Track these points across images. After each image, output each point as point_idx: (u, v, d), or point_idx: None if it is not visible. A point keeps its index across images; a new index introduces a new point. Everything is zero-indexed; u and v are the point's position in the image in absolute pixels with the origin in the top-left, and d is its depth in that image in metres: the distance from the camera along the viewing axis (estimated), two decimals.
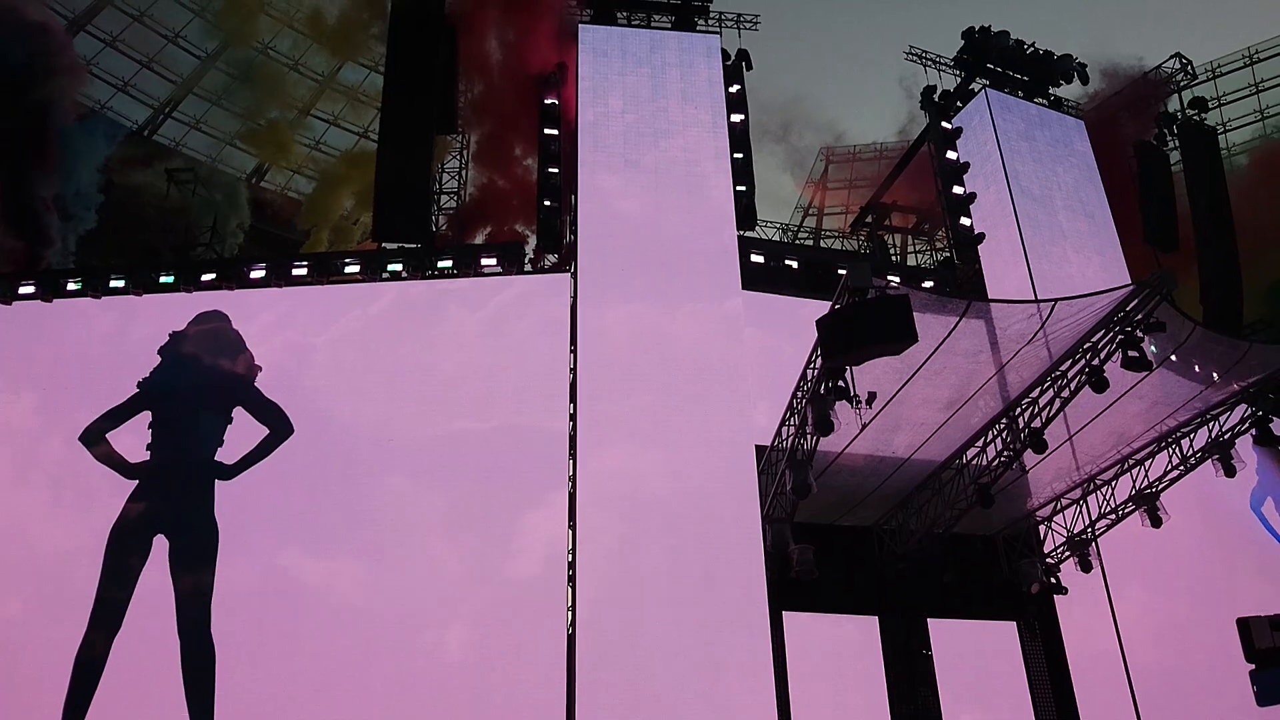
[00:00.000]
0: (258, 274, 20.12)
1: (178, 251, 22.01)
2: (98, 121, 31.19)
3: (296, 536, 17.28)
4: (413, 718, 15.65)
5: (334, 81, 37.07)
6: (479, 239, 25.90)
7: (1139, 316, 12.41)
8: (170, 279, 20.02)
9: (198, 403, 18.70)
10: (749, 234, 20.96)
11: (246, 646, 16.36)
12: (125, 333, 19.53)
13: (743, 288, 19.37)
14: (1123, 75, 28.55)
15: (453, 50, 23.13)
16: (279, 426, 18.22)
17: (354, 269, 20.22)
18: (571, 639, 15.94)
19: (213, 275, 20.04)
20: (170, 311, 19.59)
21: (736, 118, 21.85)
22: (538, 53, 23.11)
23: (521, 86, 23.81)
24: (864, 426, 14.10)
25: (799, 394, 14.71)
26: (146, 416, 18.54)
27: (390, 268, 20.19)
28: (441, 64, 22.55)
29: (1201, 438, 16.05)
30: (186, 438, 18.35)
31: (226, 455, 18.07)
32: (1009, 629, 18.09)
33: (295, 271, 20.12)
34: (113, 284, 19.98)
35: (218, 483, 17.82)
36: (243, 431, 18.26)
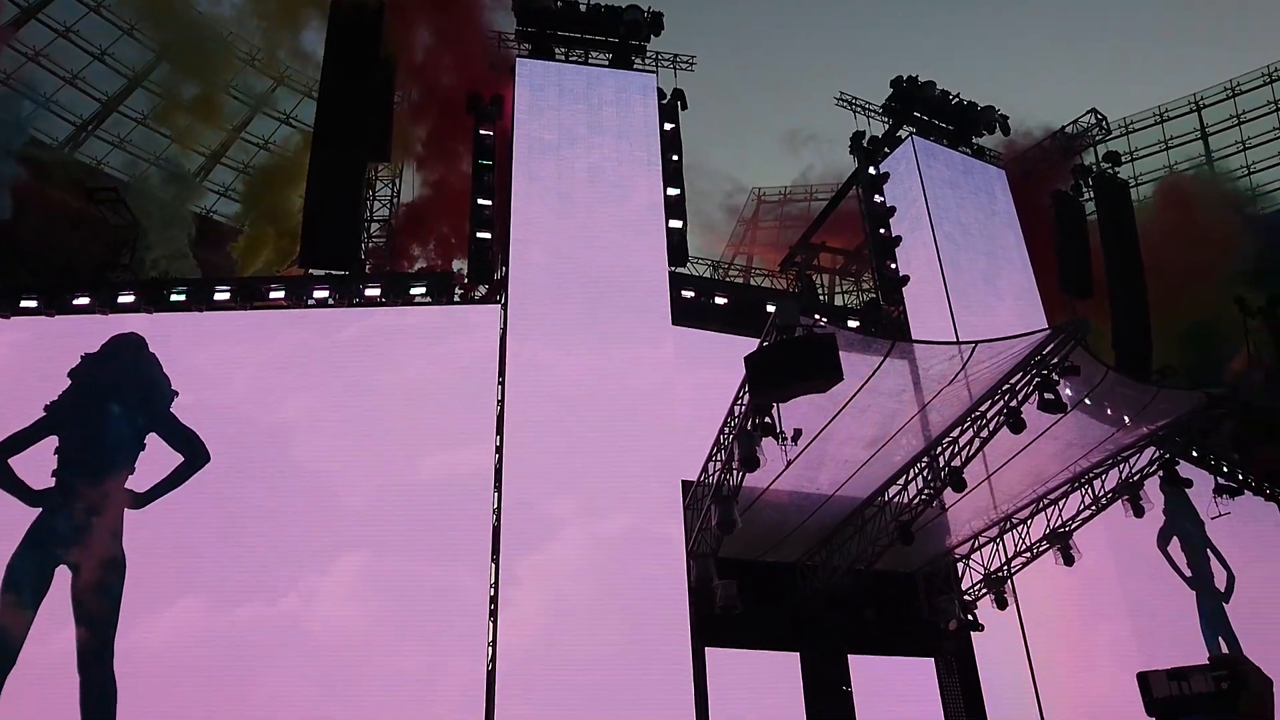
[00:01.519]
0: (178, 297, 19.57)
1: (95, 272, 21.29)
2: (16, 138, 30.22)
3: (209, 569, 16.70)
4: None
5: (265, 105, 36.61)
6: (410, 269, 25.65)
7: (1055, 360, 12.83)
8: (85, 300, 19.39)
9: (109, 428, 18.06)
10: (680, 270, 21.15)
11: (150, 684, 15.70)
12: (35, 354, 18.81)
13: (673, 323, 19.51)
14: (1042, 128, 29.70)
15: (389, 79, 23.00)
16: (195, 454, 17.67)
17: (278, 294, 19.82)
18: (491, 675, 15.68)
19: (131, 297, 19.44)
20: (84, 334, 18.94)
21: (671, 155, 22.10)
22: (474, 85, 23.09)
23: (457, 118, 23.74)
24: (789, 463, 14.25)
25: (726, 430, 14.81)
26: (53, 441, 17.82)
27: (316, 294, 19.82)
28: (377, 92, 22.40)
29: (1113, 478, 16.61)
30: (95, 465, 17.66)
31: (138, 483, 17.45)
32: (927, 665, 18.33)
33: (217, 296, 19.60)
34: (24, 304, 19.26)
35: (127, 512, 17.19)
36: (156, 458, 17.67)
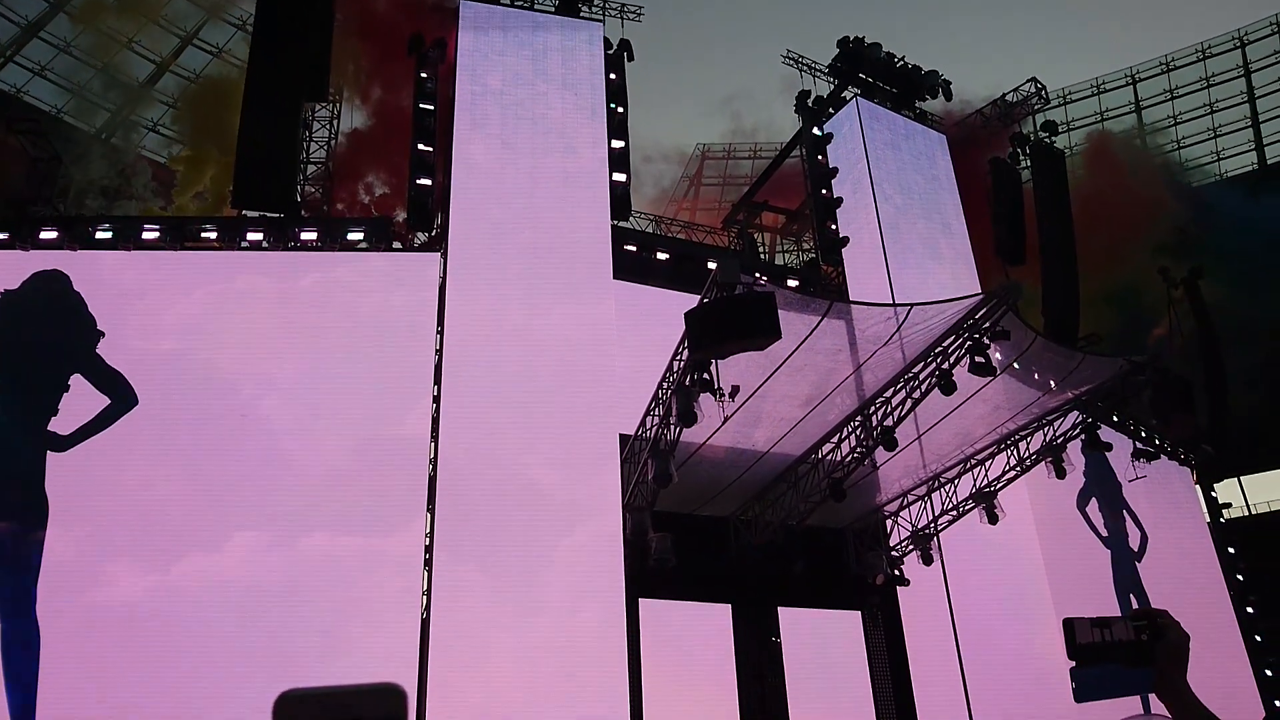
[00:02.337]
0: (104, 235, 18.90)
1: (15, 207, 20.45)
2: None
3: (133, 513, 16.37)
4: (250, 704, 15.09)
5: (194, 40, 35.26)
6: (347, 213, 25.11)
7: (986, 325, 13.12)
8: (5, 236, 18.63)
9: (31, 368, 17.51)
10: (623, 224, 21.06)
11: (73, 627, 15.44)
12: None
13: (614, 277, 19.46)
14: (983, 97, 30.05)
15: (328, 16, 22.29)
16: (121, 396, 17.22)
17: (210, 235, 19.29)
18: (425, 623, 15.72)
19: (54, 234, 18.74)
20: (5, 271, 18.23)
21: (616, 107, 21.88)
22: (416, 26, 22.52)
23: (397, 59, 23.17)
24: (726, 419, 14.41)
25: (664, 385, 14.91)
26: None
27: (250, 237, 19.32)
28: (315, 29, 21.70)
29: (1037, 441, 17.12)
30: (17, 405, 17.13)
31: (61, 425, 16.97)
32: (854, 618, 18.85)
33: (146, 235, 18.98)
34: None
35: (50, 454, 16.73)
36: (80, 400, 17.18)
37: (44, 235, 18.66)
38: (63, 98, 33.38)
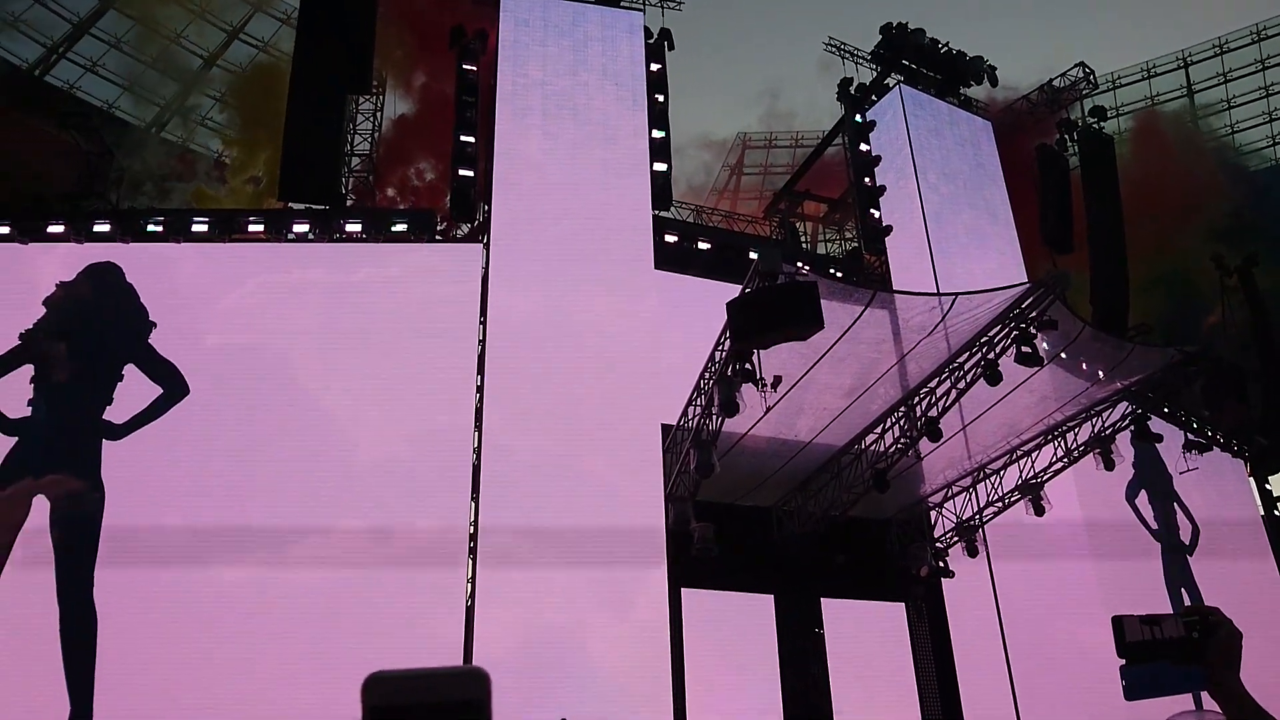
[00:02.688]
0: (155, 228, 19.30)
1: (69, 201, 20.91)
2: None
3: (186, 501, 16.73)
4: (301, 686, 15.37)
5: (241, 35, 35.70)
6: (391, 204, 25.38)
7: (1033, 314, 12.93)
8: (60, 229, 19.07)
9: (85, 357, 17.91)
10: (664, 214, 21.03)
11: (130, 614, 15.81)
12: (9, 282, 18.54)
13: (655, 267, 19.45)
14: (1029, 81, 29.58)
15: (370, 8, 22.47)
16: (173, 386, 17.56)
17: (258, 228, 19.59)
18: (470, 610, 15.88)
19: (106, 226, 19.15)
20: (59, 263, 18.66)
21: (657, 96, 21.84)
22: (458, 18, 22.62)
23: (440, 52, 23.30)
24: (768, 409, 14.37)
25: (706, 375, 14.89)
26: (29, 370, 17.66)
27: (296, 229, 19.60)
28: (358, 22, 21.89)
29: (1085, 432, 16.87)
30: (72, 394, 17.56)
31: (116, 414, 17.36)
32: (897, 610, 18.72)
33: (195, 227, 19.35)
34: None
35: (105, 443, 17.13)
36: (134, 390, 17.56)
37: (97, 228, 19.07)
38: (114, 92, 34.01)
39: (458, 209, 20.36)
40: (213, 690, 15.24)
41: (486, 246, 18.98)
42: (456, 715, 0.89)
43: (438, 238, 20.01)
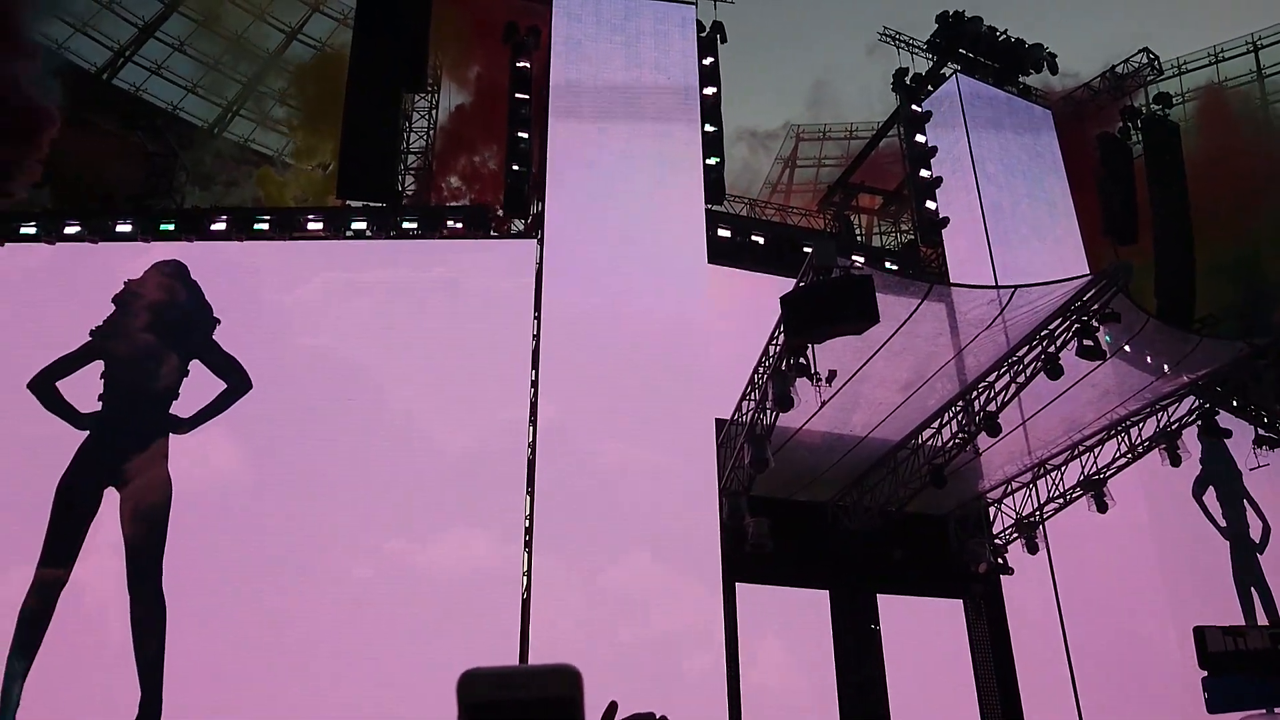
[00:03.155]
0: (218, 227, 19.78)
1: (135, 201, 21.48)
2: (53, 61, 30.27)
3: (252, 492, 17.13)
4: (363, 674, 15.66)
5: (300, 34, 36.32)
6: (446, 201, 25.62)
7: (1095, 306, 12.65)
8: (128, 228, 19.62)
9: (152, 353, 18.41)
10: (717, 208, 20.98)
11: (199, 603, 16.24)
12: (80, 280, 19.12)
13: (709, 261, 19.42)
14: (1090, 68, 28.91)
15: (426, 7, 22.71)
16: (237, 381, 17.99)
17: (317, 226, 19.97)
18: (526, 604, 16.03)
19: (172, 226, 19.67)
20: (127, 261, 19.20)
21: (709, 90, 21.77)
22: (511, 14, 22.78)
23: (494, 49, 23.49)
24: (823, 404, 14.26)
25: (760, 370, 14.83)
26: (99, 366, 18.21)
27: (354, 226, 19.95)
28: (413, 21, 22.15)
29: (1150, 427, 16.47)
30: (140, 389, 18.06)
31: (182, 409, 17.83)
32: (955, 606, 18.50)
33: (257, 226, 19.82)
34: (68, 230, 19.54)
35: (172, 436, 17.60)
36: (199, 384, 18.01)
37: (163, 227, 19.61)
38: (177, 94, 34.83)
39: (512, 205, 20.53)
40: (277, 677, 15.59)
41: (541, 242, 19.10)
42: (550, 711, 0.91)
43: (492, 234, 20.19)
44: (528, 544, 16.51)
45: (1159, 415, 16.24)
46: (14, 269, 19.27)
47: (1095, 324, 12.77)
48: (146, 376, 18.13)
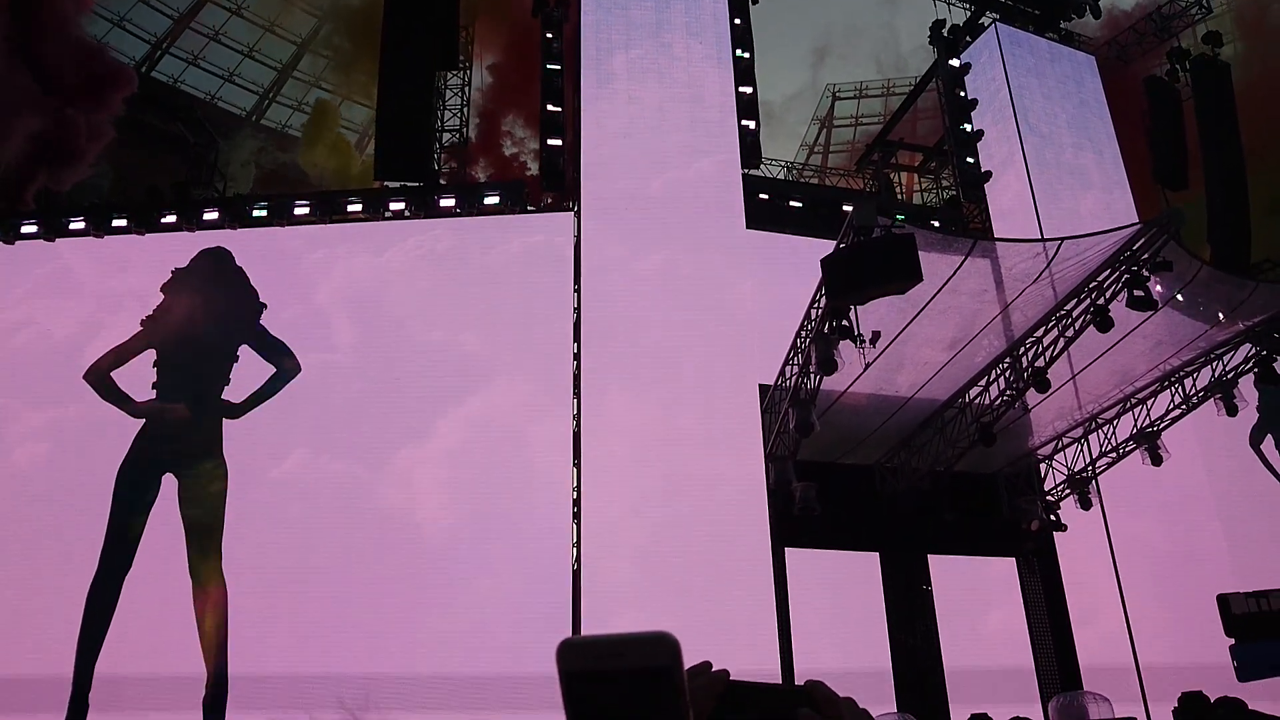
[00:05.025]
0: (259, 213, 20.04)
1: (179, 191, 21.84)
2: None
3: (305, 475, 17.46)
4: (423, 650, 15.96)
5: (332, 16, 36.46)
6: (481, 177, 25.69)
7: (1145, 256, 12.34)
8: (172, 218, 19.95)
9: (202, 340, 18.76)
10: (754, 172, 20.78)
11: (259, 585, 16.64)
12: (130, 271, 19.52)
13: (747, 226, 19.27)
14: (1136, 9, 28.07)
15: None
16: (286, 364, 18.29)
17: (356, 208, 20.14)
18: (576, 574, 16.19)
19: (214, 214, 19.97)
20: (174, 251, 19.55)
21: (742, 52, 21.50)
22: None
23: (524, 21, 23.40)
24: (867, 366, 14.13)
25: (803, 333, 14.72)
26: (151, 355, 18.61)
27: (393, 206, 20.09)
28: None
29: (1204, 377, 16.09)
30: (192, 376, 18.45)
31: (233, 394, 18.17)
32: (1008, 565, 18.33)
33: (297, 210, 20.03)
34: (115, 223, 19.92)
35: (226, 421, 17.96)
36: (249, 369, 18.34)
37: (206, 216, 19.89)
38: (215, 84, 35.21)
39: (548, 178, 20.50)
40: (336, 652, 15.94)
41: (578, 214, 19.09)
42: (650, 681, 0.93)
43: (529, 208, 20.20)
44: (576, 515, 16.64)
45: (1214, 364, 15.85)
46: (66, 262, 19.72)
47: (1146, 274, 12.47)
48: (197, 363, 18.51)
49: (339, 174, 31.13)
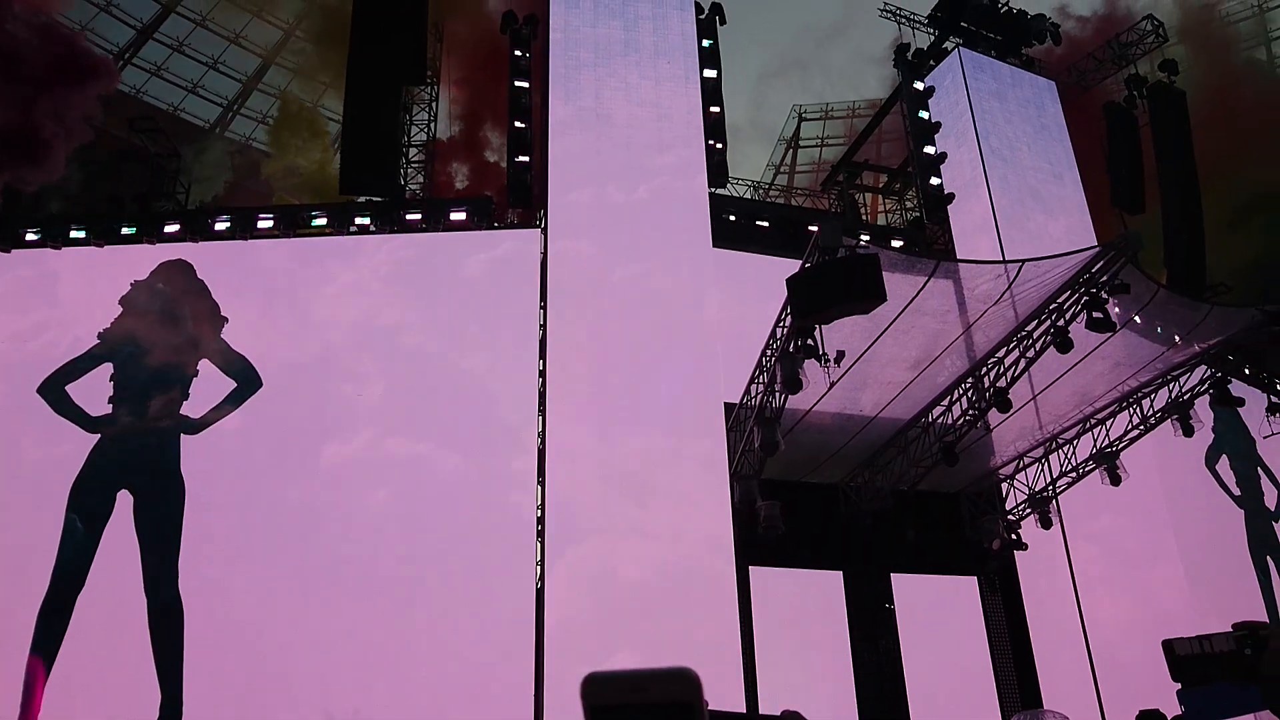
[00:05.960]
0: (222, 226, 19.79)
1: (140, 203, 21.50)
2: None
3: (264, 491, 17.18)
4: (381, 669, 15.74)
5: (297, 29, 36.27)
6: (461, 181, 25.56)
7: (1104, 278, 12.54)
8: (132, 230, 19.64)
9: (161, 354, 18.44)
10: (721, 191, 20.88)
11: (215, 603, 16.32)
12: (87, 283, 19.17)
13: (714, 245, 19.35)
14: (1095, 30, 28.60)
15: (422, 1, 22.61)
16: (247, 379, 18.03)
17: (321, 222, 19.95)
18: (540, 593, 16.06)
19: (176, 227, 19.68)
20: (132, 264, 19.24)
21: (710, 73, 21.64)
22: (509, 4, 22.69)
23: (492, 38, 23.39)
24: (832, 385, 14.19)
25: (768, 352, 14.77)
26: (108, 368, 18.27)
27: (358, 221, 19.92)
28: (411, 14, 22.04)
29: (1162, 398, 16.36)
30: (149, 390, 18.11)
31: (192, 409, 17.88)
32: (970, 584, 18.46)
33: (261, 224, 19.81)
34: (73, 234, 19.58)
35: (184, 437, 17.65)
36: (210, 384, 18.05)
37: (167, 229, 19.63)
38: (178, 95, 34.85)
39: (515, 195, 20.47)
40: (295, 674, 15.67)
41: (545, 231, 19.06)
42: (672, 715, 0.92)
43: (496, 225, 20.14)
44: (540, 533, 16.53)
45: (1171, 386, 16.13)
46: (20, 274, 19.33)
47: (1105, 296, 12.66)
48: (155, 377, 18.18)
49: (317, 173, 30.79)
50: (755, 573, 16.78)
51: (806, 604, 17.23)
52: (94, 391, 18.03)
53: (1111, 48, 27.84)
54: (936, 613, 17.88)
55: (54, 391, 18.01)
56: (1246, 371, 21.98)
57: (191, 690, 15.73)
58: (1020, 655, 17.90)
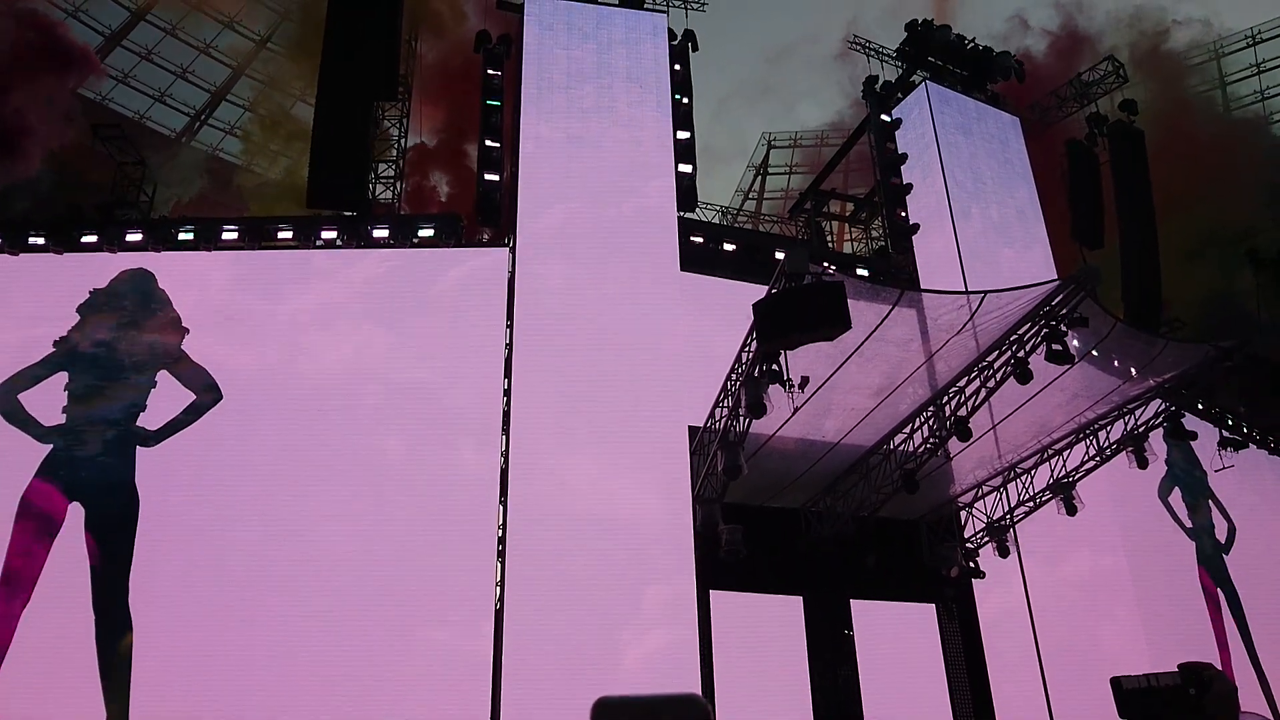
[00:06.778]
0: (186, 236, 19.52)
1: (102, 211, 21.18)
2: None
3: (220, 506, 16.89)
4: (337, 689, 15.49)
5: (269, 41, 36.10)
6: (442, 190, 25.44)
7: (1064, 311, 12.78)
8: (93, 238, 19.33)
9: (119, 364, 18.14)
10: (689, 215, 21.01)
11: (165, 618, 15.98)
12: (44, 290, 18.80)
13: (681, 269, 19.43)
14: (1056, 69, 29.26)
15: (396, 16, 22.59)
16: (206, 392, 17.78)
17: (287, 235, 19.76)
18: (500, 613, 15.93)
19: (139, 236, 19.40)
20: (92, 272, 18.93)
21: (681, 98, 21.81)
22: (483, 23, 22.76)
23: (465, 57, 23.42)
24: (795, 410, 14.29)
25: (733, 376, 14.85)
26: (63, 378, 17.92)
27: (325, 235, 19.75)
28: (384, 29, 22.02)
29: (1118, 430, 16.65)
30: (105, 401, 17.78)
31: (149, 420, 17.58)
32: (928, 610, 18.59)
33: (225, 235, 19.57)
34: (32, 240, 19.24)
35: (139, 449, 17.34)
36: (168, 396, 17.77)
37: (130, 237, 19.32)
38: (145, 103, 34.49)
39: (483, 213, 20.44)
40: (245, 695, 15.38)
41: (513, 250, 19.05)
42: None
43: (463, 243, 20.08)
44: (500, 554, 16.42)
45: (1126, 418, 16.44)
46: None
47: (1064, 328, 12.89)
48: (112, 388, 17.86)
49: (287, 178, 30.53)
50: (716, 596, 16.77)
51: (766, 629, 17.23)
52: (48, 401, 17.66)
53: (1074, 86, 28.48)
54: (895, 639, 17.96)
55: (6, 400, 17.61)
56: (1200, 406, 22.44)
57: (139, 710, 15.37)
58: (976, 682, 18.02)
